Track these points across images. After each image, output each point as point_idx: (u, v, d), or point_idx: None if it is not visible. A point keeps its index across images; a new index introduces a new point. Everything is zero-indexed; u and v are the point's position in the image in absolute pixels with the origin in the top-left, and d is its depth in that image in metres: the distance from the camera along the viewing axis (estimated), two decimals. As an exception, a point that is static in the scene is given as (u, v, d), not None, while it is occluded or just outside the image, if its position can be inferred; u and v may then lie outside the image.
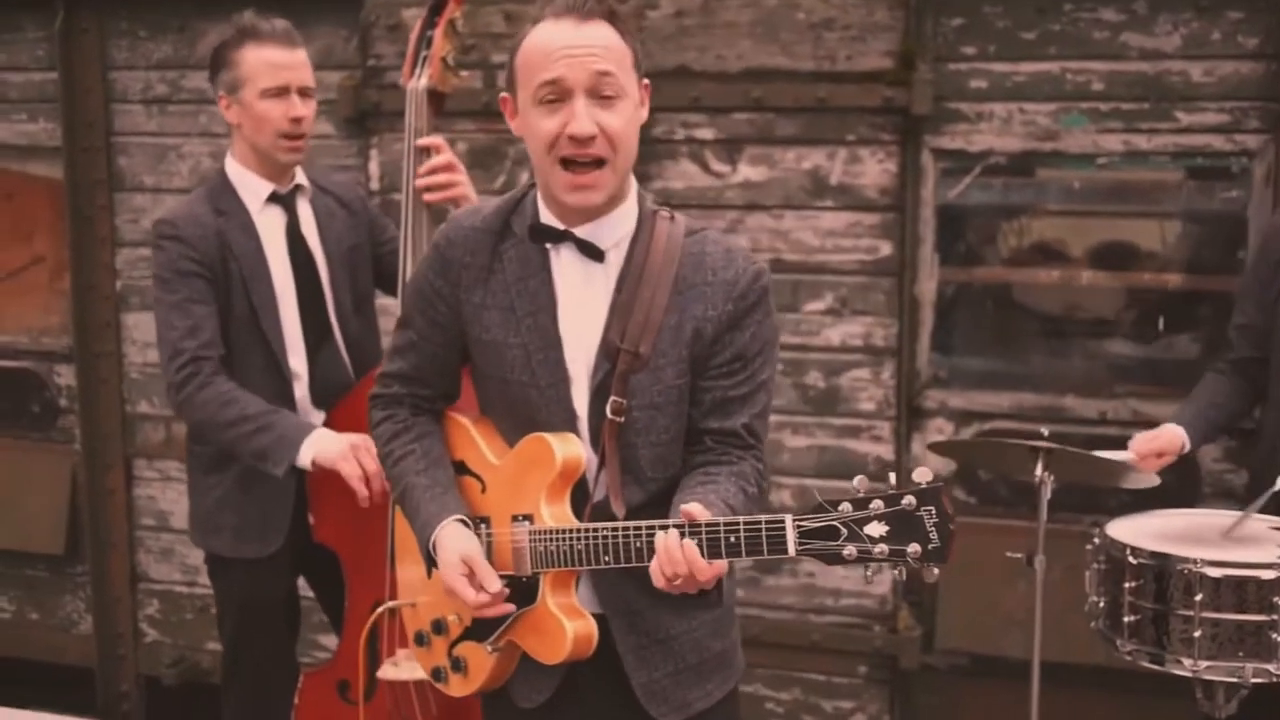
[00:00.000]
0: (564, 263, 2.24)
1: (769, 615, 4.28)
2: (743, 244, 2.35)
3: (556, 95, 2.12)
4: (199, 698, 4.68)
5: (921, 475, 1.94)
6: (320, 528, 3.18)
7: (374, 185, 4.42)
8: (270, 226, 3.15)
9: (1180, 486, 3.93)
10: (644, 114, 2.23)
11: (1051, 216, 4.32)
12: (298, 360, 3.16)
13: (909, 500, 1.92)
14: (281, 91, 3.06)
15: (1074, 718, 3.91)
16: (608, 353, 2.20)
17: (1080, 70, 4.02)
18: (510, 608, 2.24)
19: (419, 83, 3.10)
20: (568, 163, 2.14)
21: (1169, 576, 2.88)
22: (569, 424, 2.24)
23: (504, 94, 2.25)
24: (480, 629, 2.31)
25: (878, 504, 1.94)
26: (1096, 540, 3.06)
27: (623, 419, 2.19)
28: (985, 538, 3.95)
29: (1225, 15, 3.89)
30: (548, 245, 2.24)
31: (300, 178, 3.21)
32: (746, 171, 4.21)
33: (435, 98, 3.12)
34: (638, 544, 2.09)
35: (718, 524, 2.01)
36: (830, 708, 4.28)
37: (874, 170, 4.12)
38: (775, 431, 4.24)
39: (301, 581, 3.42)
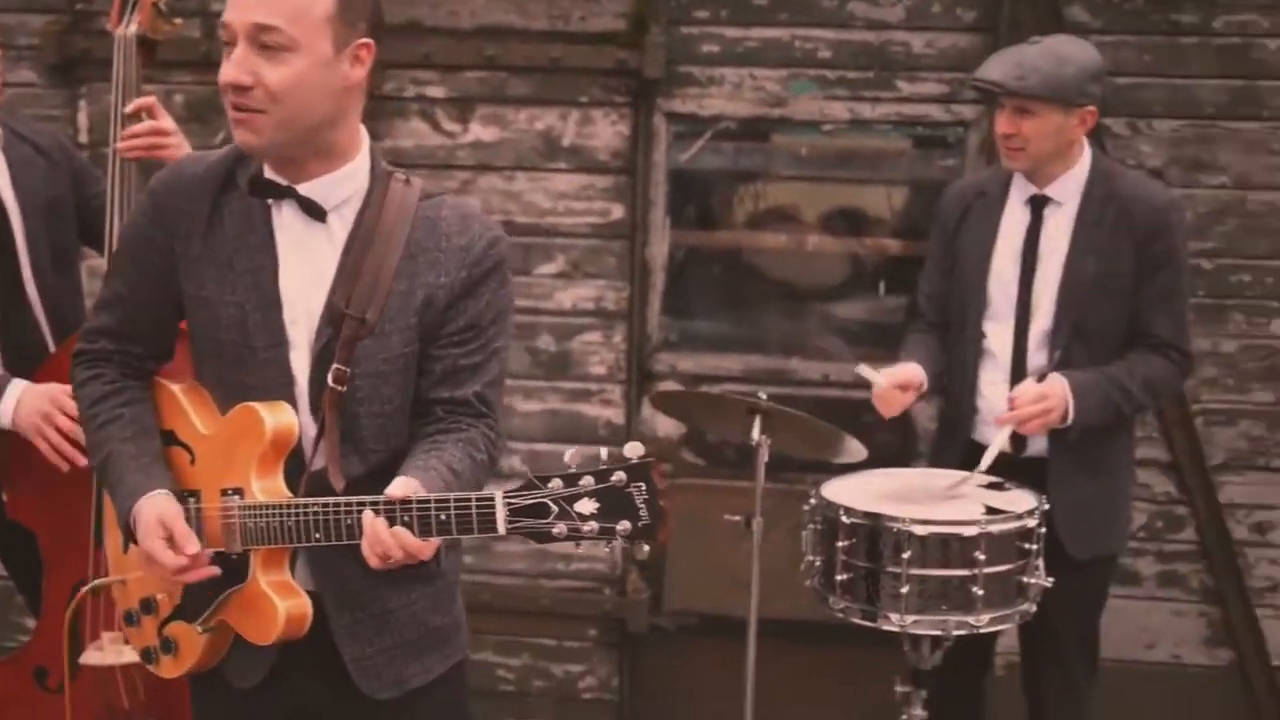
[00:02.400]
0: (286, 221, 2.14)
1: (498, 581, 4.26)
2: (479, 209, 2.28)
3: (228, 39, 2.05)
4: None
5: (632, 450, 1.90)
6: (14, 505, 2.98)
7: (83, 138, 4.17)
8: (-46, 177, 2.92)
9: (900, 446, 4.08)
10: (354, 73, 2.10)
11: (782, 181, 4.40)
12: (-15, 323, 2.95)
13: (619, 476, 1.89)
14: None
15: (794, 672, 4.03)
16: (332, 318, 2.12)
17: (808, 38, 4.09)
18: (215, 570, 2.14)
19: (128, 29, 2.92)
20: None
21: (879, 535, 2.96)
22: (285, 390, 2.14)
23: None
24: (190, 608, 2.21)
25: (588, 480, 1.90)
26: (813, 501, 3.12)
27: (344, 388, 2.12)
28: (713, 499, 4.02)
29: (945, -12, 4.03)
30: (269, 201, 2.14)
31: (-11, 124, 2.99)
32: (478, 131, 4.14)
33: (146, 46, 2.94)
34: (348, 521, 2.02)
35: (428, 501, 1.97)
36: (560, 672, 4.30)
37: (606, 132, 4.10)
38: (507, 396, 4.18)
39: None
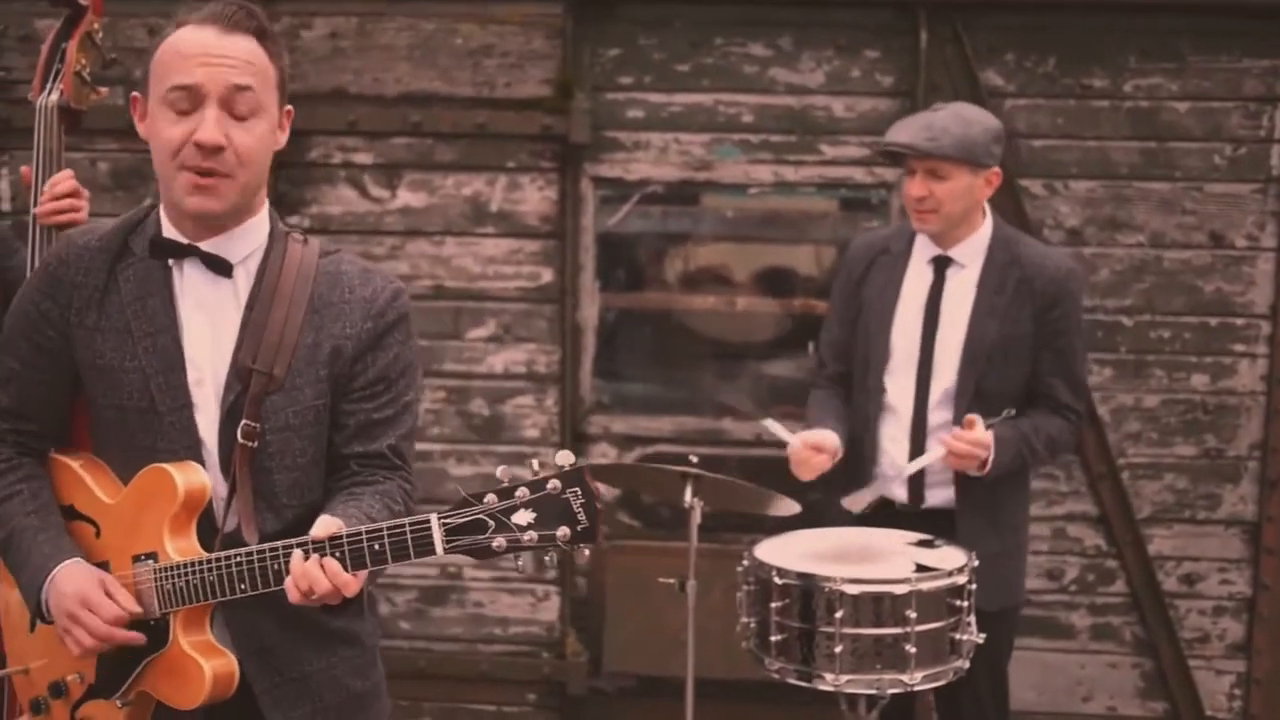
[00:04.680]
0: (188, 281, 2.13)
1: (436, 648, 4.23)
2: (378, 266, 2.29)
3: (188, 102, 2.04)
4: None
5: (564, 458, 1.91)
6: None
7: (4, 206, 4.14)
8: None
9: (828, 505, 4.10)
10: (281, 139, 2.15)
11: (708, 243, 4.45)
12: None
13: (554, 484, 1.89)
14: None
15: (733, 732, 4.02)
16: (239, 374, 2.10)
17: (731, 103, 4.15)
18: (137, 636, 2.09)
19: (50, 98, 2.90)
20: (191, 170, 2.05)
21: (812, 595, 2.97)
22: (193, 452, 2.11)
23: (135, 94, 2.13)
24: (106, 684, 2.15)
25: (523, 491, 1.89)
26: (746, 562, 3.13)
27: (255, 444, 2.10)
28: (649, 560, 4.01)
29: (864, 54, 4.10)
30: (170, 262, 2.13)
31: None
32: (406, 197, 4.15)
33: (69, 115, 2.92)
34: (275, 566, 1.99)
35: (359, 533, 1.95)
36: (499, 738, 4.26)
37: (534, 197, 4.13)
38: (440, 460, 4.19)
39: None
